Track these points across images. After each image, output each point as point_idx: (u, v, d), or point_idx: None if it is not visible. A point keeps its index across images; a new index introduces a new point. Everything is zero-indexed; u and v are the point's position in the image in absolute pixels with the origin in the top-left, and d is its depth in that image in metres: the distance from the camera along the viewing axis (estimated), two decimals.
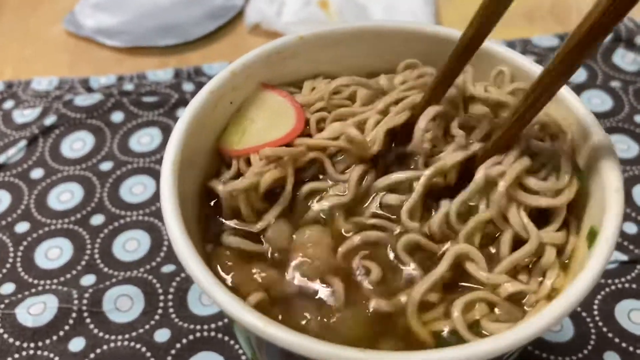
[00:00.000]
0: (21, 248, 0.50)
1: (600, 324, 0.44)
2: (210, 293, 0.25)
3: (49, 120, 0.58)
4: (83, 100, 0.59)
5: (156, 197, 0.53)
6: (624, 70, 0.61)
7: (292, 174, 0.32)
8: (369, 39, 0.34)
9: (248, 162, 0.32)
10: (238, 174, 0.32)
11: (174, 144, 0.29)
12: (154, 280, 0.47)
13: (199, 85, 0.61)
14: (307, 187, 0.32)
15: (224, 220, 0.32)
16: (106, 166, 0.55)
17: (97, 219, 0.52)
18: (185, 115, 0.30)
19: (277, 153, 0.31)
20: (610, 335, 0.43)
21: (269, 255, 0.31)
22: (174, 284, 0.47)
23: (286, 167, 0.31)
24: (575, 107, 0.31)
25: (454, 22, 0.66)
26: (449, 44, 0.31)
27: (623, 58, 0.61)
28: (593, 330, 0.43)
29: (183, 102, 0.59)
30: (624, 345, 0.43)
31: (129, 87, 0.61)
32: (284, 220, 0.32)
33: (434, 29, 0.35)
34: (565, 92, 0.31)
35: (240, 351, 0.44)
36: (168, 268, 0.48)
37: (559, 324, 0.26)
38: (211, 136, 0.32)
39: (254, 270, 0.30)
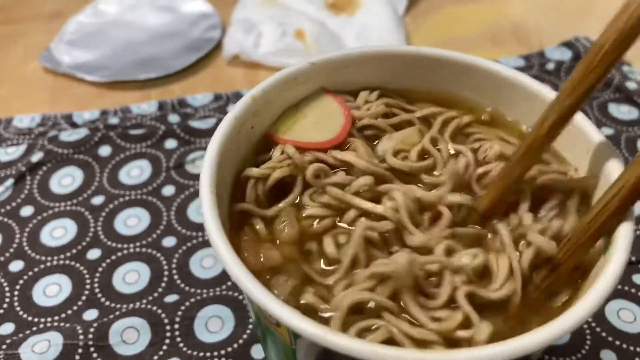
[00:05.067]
0: (17, 287, 0.49)
1: (593, 324, 0.46)
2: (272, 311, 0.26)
3: (36, 157, 0.58)
4: (68, 135, 0.59)
5: (151, 228, 0.53)
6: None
7: (302, 180, 0.34)
8: (370, 61, 0.36)
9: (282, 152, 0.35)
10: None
11: (208, 169, 0.30)
12: (159, 311, 0.47)
13: (185, 117, 0.62)
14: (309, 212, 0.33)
15: (245, 203, 0.33)
16: (98, 200, 0.55)
17: (94, 253, 0.51)
18: (214, 140, 0.31)
19: (294, 158, 0.34)
20: (604, 334, 0.45)
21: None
22: (179, 313, 0.47)
23: (296, 170, 0.34)
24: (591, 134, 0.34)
25: None
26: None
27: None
28: (588, 331, 0.46)
29: (170, 133, 0.60)
30: (617, 343, 0.45)
31: (114, 120, 0.61)
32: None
33: (422, 50, 0.37)
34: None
35: None
36: (171, 298, 0.48)
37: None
38: (236, 160, 0.34)
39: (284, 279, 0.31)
